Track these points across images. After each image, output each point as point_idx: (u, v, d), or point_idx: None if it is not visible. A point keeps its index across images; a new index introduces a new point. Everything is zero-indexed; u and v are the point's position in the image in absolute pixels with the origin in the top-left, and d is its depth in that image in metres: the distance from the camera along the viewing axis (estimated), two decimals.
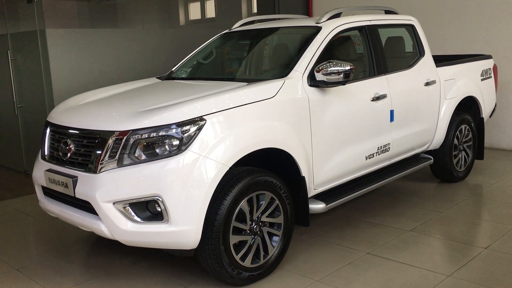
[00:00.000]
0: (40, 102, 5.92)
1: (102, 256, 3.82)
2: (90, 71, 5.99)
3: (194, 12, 8.95)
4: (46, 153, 3.50)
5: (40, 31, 5.68)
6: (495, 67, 5.84)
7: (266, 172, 3.28)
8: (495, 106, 5.94)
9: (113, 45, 6.20)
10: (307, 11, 8.51)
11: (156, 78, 4.52)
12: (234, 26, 4.79)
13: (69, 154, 3.23)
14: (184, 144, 2.95)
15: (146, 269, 3.57)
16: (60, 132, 3.40)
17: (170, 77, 4.50)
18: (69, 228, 4.41)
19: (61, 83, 5.75)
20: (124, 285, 3.35)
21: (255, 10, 9.09)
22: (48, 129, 3.55)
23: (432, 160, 4.99)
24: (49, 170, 3.35)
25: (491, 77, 5.74)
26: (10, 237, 4.31)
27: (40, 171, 3.46)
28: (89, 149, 3.12)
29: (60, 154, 3.31)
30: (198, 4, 8.92)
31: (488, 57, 5.80)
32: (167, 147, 2.96)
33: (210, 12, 8.99)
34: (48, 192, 3.52)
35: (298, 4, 8.47)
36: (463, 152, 5.42)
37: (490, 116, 5.96)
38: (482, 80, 5.57)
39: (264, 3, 8.40)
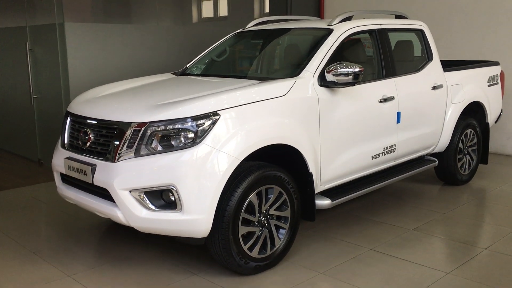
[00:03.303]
0: (56, 93, 6.08)
1: (114, 243, 3.98)
2: (106, 65, 6.15)
3: (208, 10, 9.10)
4: (65, 141, 3.66)
5: (59, 24, 5.84)
6: (502, 74, 5.94)
7: (275, 167, 3.42)
8: (501, 112, 6.04)
9: (129, 40, 6.36)
10: (319, 13, 8.64)
11: (171, 73, 4.67)
12: (247, 26, 4.93)
13: (88, 143, 3.39)
14: (199, 137, 3.10)
15: (156, 256, 3.72)
16: (80, 122, 3.56)
17: (184, 73, 4.65)
18: (82, 215, 4.57)
19: (77, 76, 5.91)
20: (136, 270, 3.50)
21: (267, 10, 9.22)
22: (69, 119, 3.71)
23: (436, 163, 5.10)
24: (69, 158, 3.51)
25: (497, 83, 5.84)
26: (26, 222, 4.47)
27: (60, 159, 3.62)
28: (108, 139, 3.27)
29: (80, 143, 3.47)
30: (211, 3, 9.07)
31: (496, 63, 5.90)
32: (182, 139, 3.11)
33: (223, 11, 9.14)
34: (66, 179, 3.68)
35: (310, 5, 8.59)
36: (468, 156, 5.53)
37: (495, 122, 6.06)
38: (488, 86, 5.67)
39: (276, 3, 8.53)
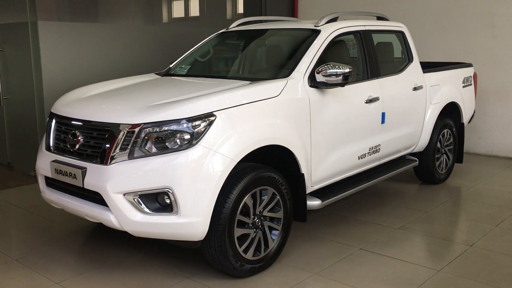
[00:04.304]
0: (29, 94, 5.86)
1: (101, 247, 3.86)
2: (80, 64, 5.98)
3: (180, 10, 9.00)
4: (51, 144, 3.52)
5: (31, 23, 5.63)
6: (475, 75, 6.12)
7: (269, 168, 3.39)
8: (474, 112, 6.22)
9: (104, 39, 6.19)
10: (293, 13, 8.67)
11: (155, 74, 4.58)
12: (231, 26, 4.88)
13: (77, 146, 3.27)
14: (195, 138, 3.04)
15: (147, 260, 3.63)
16: (67, 123, 3.43)
17: (168, 73, 4.56)
18: (61, 219, 4.43)
19: (51, 76, 5.71)
20: (126, 275, 3.40)
21: (240, 10, 9.19)
22: (54, 121, 3.57)
23: (417, 162, 5.20)
24: (55, 161, 3.37)
25: (471, 84, 6.01)
26: (3, 229, 4.28)
27: (45, 162, 3.48)
28: (99, 141, 3.17)
29: (68, 145, 3.34)
30: (184, 3, 8.98)
31: (469, 65, 6.07)
32: (178, 141, 3.04)
33: (195, 11, 9.06)
34: (51, 182, 3.54)
35: (284, 5, 8.62)
36: (445, 156, 5.66)
37: (469, 122, 6.22)
38: (463, 87, 5.83)
39: (250, 3, 8.51)
